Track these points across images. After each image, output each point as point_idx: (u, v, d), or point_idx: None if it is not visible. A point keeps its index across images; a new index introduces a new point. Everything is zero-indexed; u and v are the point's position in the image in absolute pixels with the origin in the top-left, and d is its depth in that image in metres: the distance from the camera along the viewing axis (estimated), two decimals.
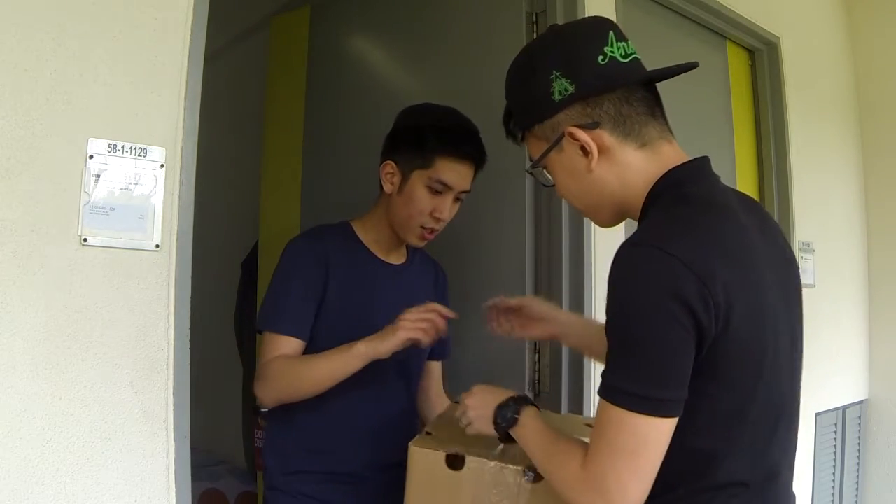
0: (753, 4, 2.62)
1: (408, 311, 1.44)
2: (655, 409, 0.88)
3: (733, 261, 0.92)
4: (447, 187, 1.55)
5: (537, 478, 1.13)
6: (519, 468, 1.15)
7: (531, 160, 1.11)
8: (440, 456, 1.19)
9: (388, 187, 1.59)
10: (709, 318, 0.88)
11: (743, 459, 0.95)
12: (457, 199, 1.60)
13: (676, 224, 0.95)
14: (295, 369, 1.49)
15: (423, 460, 1.20)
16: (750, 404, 0.94)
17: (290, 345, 1.51)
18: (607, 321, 0.94)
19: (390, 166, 1.58)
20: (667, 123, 1.05)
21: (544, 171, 1.09)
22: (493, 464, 1.16)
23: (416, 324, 1.41)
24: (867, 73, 3.31)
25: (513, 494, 1.15)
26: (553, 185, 1.11)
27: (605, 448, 0.91)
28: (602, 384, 0.93)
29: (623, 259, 0.93)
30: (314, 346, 1.52)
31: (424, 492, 1.22)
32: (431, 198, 1.55)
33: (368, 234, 1.65)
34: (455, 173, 1.55)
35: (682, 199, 0.98)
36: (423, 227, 1.57)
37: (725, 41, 2.64)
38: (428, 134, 1.55)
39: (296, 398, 1.51)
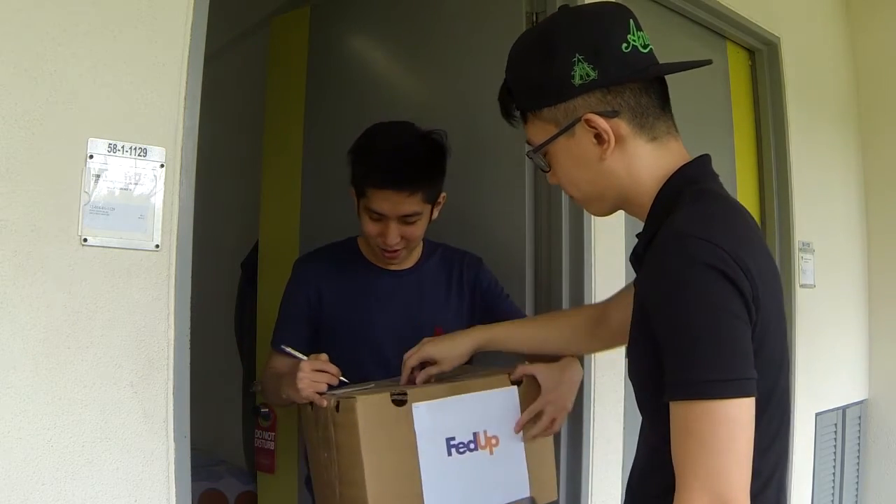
0: (753, 4, 2.61)
1: (305, 362, 1.38)
2: (741, 389, 0.85)
3: (757, 256, 0.92)
4: (381, 215, 1.52)
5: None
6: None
7: (530, 143, 1.07)
8: (386, 397, 1.30)
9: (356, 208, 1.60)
10: (752, 309, 0.88)
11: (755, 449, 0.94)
12: (407, 223, 1.54)
13: (712, 219, 0.94)
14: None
15: (371, 406, 1.28)
16: (767, 400, 0.94)
17: (280, 359, 1.60)
18: (660, 318, 0.91)
19: (351, 190, 1.59)
20: (673, 120, 1.04)
21: (543, 156, 1.06)
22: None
23: (314, 383, 1.35)
24: (867, 73, 3.30)
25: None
26: (548, 171, 1.08)
27: (699, 449, 0.85)
28: (676, 384, 0.88)
29: (674, 249, 0.91)
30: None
31: (377, 433, 1.28)
32: (374, 224, 1.53)
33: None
34: (384, 201, 1.50)
35: (705, 196, 0.98)
36: (381, 249, 1.57)
37: (725, 41, 2.64)
38: (357, 162, 1.54)
39: (283, 405, 1.69)
